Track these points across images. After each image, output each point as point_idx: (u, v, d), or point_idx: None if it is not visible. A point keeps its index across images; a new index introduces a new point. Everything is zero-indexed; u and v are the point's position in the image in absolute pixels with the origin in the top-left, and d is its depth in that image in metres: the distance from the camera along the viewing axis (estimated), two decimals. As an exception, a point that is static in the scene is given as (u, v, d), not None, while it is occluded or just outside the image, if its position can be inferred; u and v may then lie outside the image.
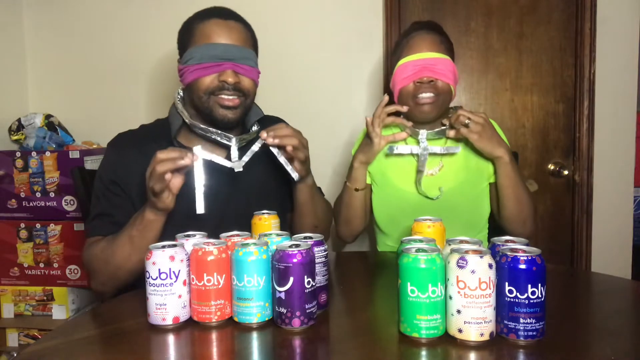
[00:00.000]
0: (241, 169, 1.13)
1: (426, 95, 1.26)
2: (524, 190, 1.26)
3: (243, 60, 1.14)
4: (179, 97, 1.24)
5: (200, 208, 1.05)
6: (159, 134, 1.21)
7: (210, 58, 1.11)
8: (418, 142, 1.29)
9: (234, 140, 1.15)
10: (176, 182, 0.99)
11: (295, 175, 1.14)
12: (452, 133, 1.25)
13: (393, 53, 1.37)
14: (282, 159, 1.13)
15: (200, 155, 1.03)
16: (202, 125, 1.16)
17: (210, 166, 1.08)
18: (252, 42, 1.20)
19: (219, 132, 1.15)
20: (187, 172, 1.03)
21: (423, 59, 1.25)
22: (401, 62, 1.28)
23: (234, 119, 1.16)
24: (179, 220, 1.08)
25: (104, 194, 1.17)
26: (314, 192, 1.26)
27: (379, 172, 1.37)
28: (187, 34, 1.19)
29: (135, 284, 1.07)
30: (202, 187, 1.04)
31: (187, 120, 1.17)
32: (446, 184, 1.31)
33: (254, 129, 1.24)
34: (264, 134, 1.09)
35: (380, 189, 1.37)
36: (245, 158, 1.14)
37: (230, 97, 1.13)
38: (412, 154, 1.32)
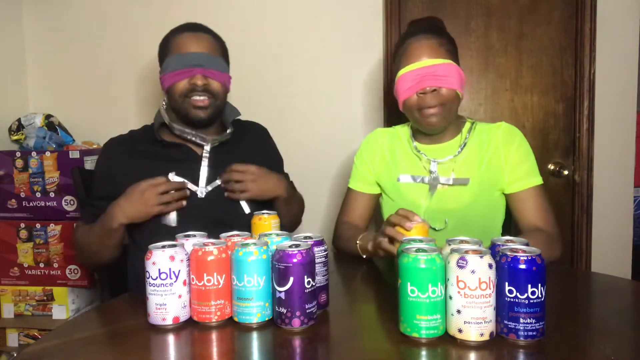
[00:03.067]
0: (203, 196, 1.31)
1: (431, 107, 1.21)
2: (546, 254, 1.16)
3: (211, 65, 1.30)
4: (164, 103, 1.40)
5: (173, 222, 1.25)
6: (146, 136, 1.38)
7: (183, 65, 1.28)
8: (429, 172, 1.29)
9: (208, 145, 1.33)
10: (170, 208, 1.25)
11: (246, 209, 1.33)
12: (233, 195, 1.31)
13: (393, 60, 1.33)
14: (234, 196, 1.31)
15: (174, 179, 1.27)
16: (178, 127, 1.33)
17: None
18: (221, 51, 1.37)
19: (194, 133, 1.33)
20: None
21: (423, 67, 1.19)
22: (401, 72, 1.23)
23: (205, 118, 1.32)
24: (154, 227, 1.25)
25: (97, 187, 1.35)
26: (290, 201, 1.41)
27: (391, 185, 1.35)
28: (165, 47, 1.35)
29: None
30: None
31: (166, 122, 1.34)
32: (460, 197, 1.27)
33: (228, 132, 1.39)
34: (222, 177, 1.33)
35: (394, 202, 1.34)
36: (209, 187, 1.33)
37: (201, 98, 1.30)
38: (422, 183, 1.30)
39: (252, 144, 1.46)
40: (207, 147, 1.34)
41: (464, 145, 1.29)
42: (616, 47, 1.93)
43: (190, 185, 1.30)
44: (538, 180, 1.26)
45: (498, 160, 1.26)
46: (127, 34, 2.09)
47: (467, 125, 1.32)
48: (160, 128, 1.36)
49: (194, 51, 1.29)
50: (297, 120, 2.03)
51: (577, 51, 1.95)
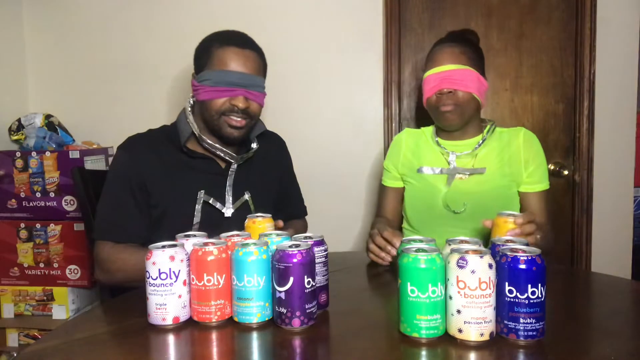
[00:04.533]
0: (230, 215, 1.29)
1: (447, 106, 1.35)
2: (546, 243, 1.19)
3: (254, 87, 1.26)
4: (190, 106, 1.33)
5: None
6: (169, 139, 1.31)
7: (225, 83, 1.23)
8: (448, 163, 1.41)
9: (235, 164, 1.31)
10: None
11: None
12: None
13: (425, 64, 1.47)
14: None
15: (202, 198, 1.27)
16: (209, 141, 1.28)
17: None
18: (263, 69, 1.33)
19: (224, 150, 1.29)
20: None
21: (443, 71, 1.34)
22: (425, 75, 1.39)
23: (239, 137, 1.29)
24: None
25: (118, 197, 1.24)
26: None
27: (412, 176, 1.47)
28: (206, 55, 1.28)
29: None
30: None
31: (196, 133, 1.28)
32: (477, 185, 1.38)
33: (254, 147, 1.37)
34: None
35: (415, 186, 1.46)
36: (235, 206, 1.31)
37: (239, 119, 1.26)
38: (441, 174, 1.42)
39: (272, 159, 1.45)
40: (235, 166, 1.31)
41: (483, 142, 1.40)
42: (616, 47, 1.93)
43: (218, 204, 1.28)
44: (547, 185, 1.40)
45: (518, 159, 1.38)
46: (127, 33, 2.09)
47: (487, 127, 1.44)
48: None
49: (239, 71, 1.24)
50: (297, 120, 2.03)
51: (577, 51, 1.95)
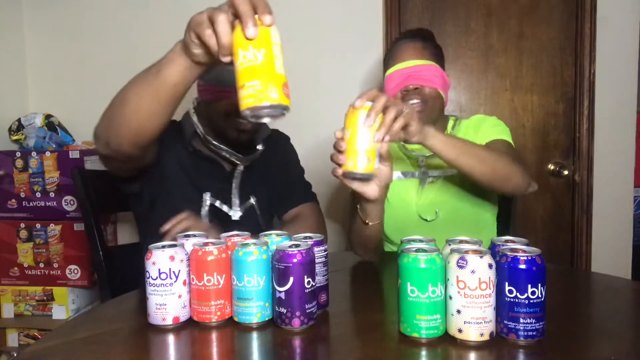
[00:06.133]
0: (238, 218, 1.26)
1: (413, 105, 1.25)
2: (482, 151, 1.11)
3: None
4: (193, 108, 1.30)
5: None
6: (174, 136, 1.26)
7: (233, 83, 1.12)
8: (418, 166, 1.32)
9: (241, 166, 1.28)
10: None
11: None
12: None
13: (383, 64, 1.39)
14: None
15: (208, 201, 1.24)
16: (215, 142, 1.25)
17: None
18: None
19: (230, 151, 1.25)
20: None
21: (407, 67, 1.26)
22: (388, 72, 1.30)
23: (245, 140, 1.27)
24: None
25: None
26: None
27: None
28: None
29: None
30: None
31: (200, 134, 1.26)
32: (448, 188, 1.30)
33: (259, 149, 1.34)
34: None
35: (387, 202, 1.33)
36: (242, 209, 1.28)
37: (245, 122, 1.20)
38: (413, 178, 1.33)
39: (278, 158, 1.42)
40: (241, 168, 1.28)
41: None
42: (616, 47, 1.93)
43: (224, 207, 1.26)
44: (506, 137, 1.28)
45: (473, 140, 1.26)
46: (127, 33, 2.09)
47: (451, 122, 1.37)
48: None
49: None
50: (296, 121, 2.02)
51: (577, 51, 1.95)
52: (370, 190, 1.03)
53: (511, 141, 1.30)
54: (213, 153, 1.28)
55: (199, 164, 1.27)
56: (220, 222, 1.22)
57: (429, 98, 1.26)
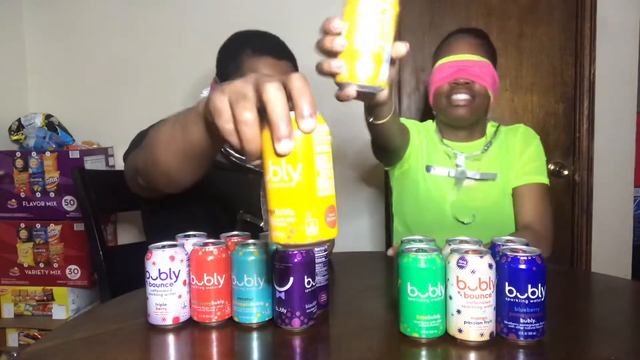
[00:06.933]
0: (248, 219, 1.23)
1: (461, 97, 1.23)
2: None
3: None
4: None
5: None
6: None
7: None
8: (456, 165, 1.28)
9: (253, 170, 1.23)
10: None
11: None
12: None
13: (433, 55, 1.35)
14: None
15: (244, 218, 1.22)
16: (237, 155, 1.21)
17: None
18: None
19: (242, 158, 1.20)
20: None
21: (460, 60, 1.23)
22: (439, 63, 1.27)
23: None
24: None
25: None
26: None
27: (417, 172, 1.31)
28: (235, 62, 1.15)
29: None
30: None
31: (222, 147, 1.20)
32: (486, 194, 1.27)
33: None
34: None
35: (417, 187, 1.30)
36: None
37: None
38: (449, 176, 1.29)
39: None
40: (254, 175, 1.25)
41: (490, 145, 1.30)
42: (616, 47, 1.93)
43: (256, 220, 1.23)
44: (543, 179, 1.26)
45: (515, 156, 1.28)
46: (128, 33, 2.09)
47: (492, 128, 1.34)
48: None
49: None
50: (297, 120, 2.02)
51: (577, 51, 1.95)
52: (381, 94, 0.81)
53: (546, 179, 1.27)
54: (234, 165, 1.25)
55: (223, 176, 1.23)
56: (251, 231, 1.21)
57: (477, 94, 1.23)
